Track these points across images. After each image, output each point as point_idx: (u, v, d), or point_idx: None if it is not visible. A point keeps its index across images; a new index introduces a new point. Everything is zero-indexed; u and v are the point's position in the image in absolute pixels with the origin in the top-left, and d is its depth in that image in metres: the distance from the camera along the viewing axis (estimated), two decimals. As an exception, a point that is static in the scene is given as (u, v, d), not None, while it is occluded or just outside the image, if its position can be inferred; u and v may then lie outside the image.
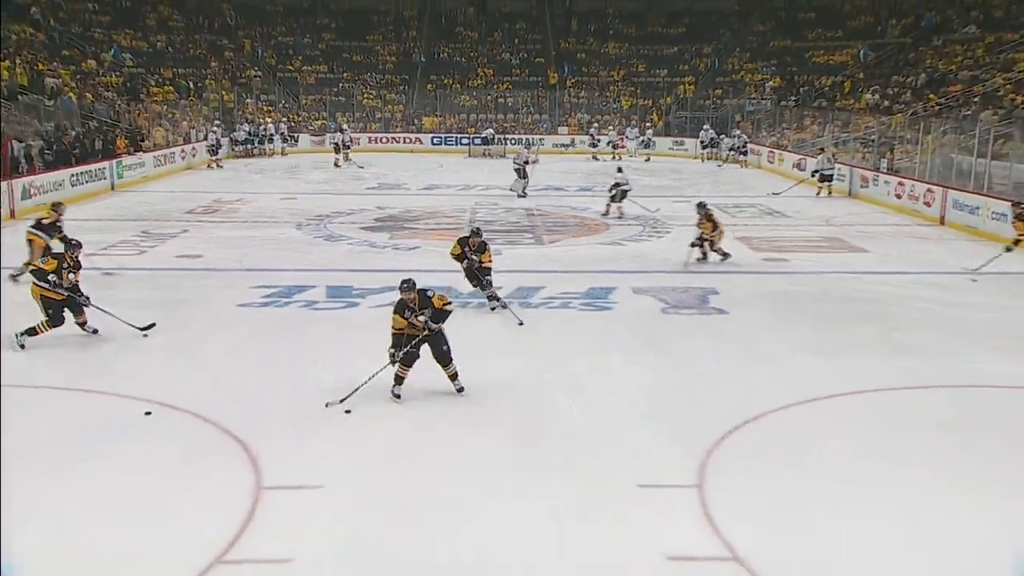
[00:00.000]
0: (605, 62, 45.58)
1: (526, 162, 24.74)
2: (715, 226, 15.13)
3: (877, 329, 11.32)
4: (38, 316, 10.09)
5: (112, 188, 24.62)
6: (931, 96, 30.72)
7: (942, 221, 19.88)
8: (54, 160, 23.23)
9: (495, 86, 43.78)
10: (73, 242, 11.16)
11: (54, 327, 10.12)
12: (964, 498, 6.69)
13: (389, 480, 6.98)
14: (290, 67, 44.01)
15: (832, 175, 24.96)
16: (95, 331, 10.55)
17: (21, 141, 22.75)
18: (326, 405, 7.32)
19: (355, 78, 43.77)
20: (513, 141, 37.48)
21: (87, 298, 10.34)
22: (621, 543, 6.04)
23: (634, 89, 43.35)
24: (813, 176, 25.46)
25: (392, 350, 8.34)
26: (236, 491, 6.63)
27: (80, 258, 10.89)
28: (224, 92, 39.48)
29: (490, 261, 11.89)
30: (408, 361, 8.37)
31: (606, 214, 21.06)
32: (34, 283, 10.26)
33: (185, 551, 5.78)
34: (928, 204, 20.76)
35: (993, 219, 17.95)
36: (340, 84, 43.26)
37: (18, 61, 30.36)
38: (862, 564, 5.80)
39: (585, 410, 8.54)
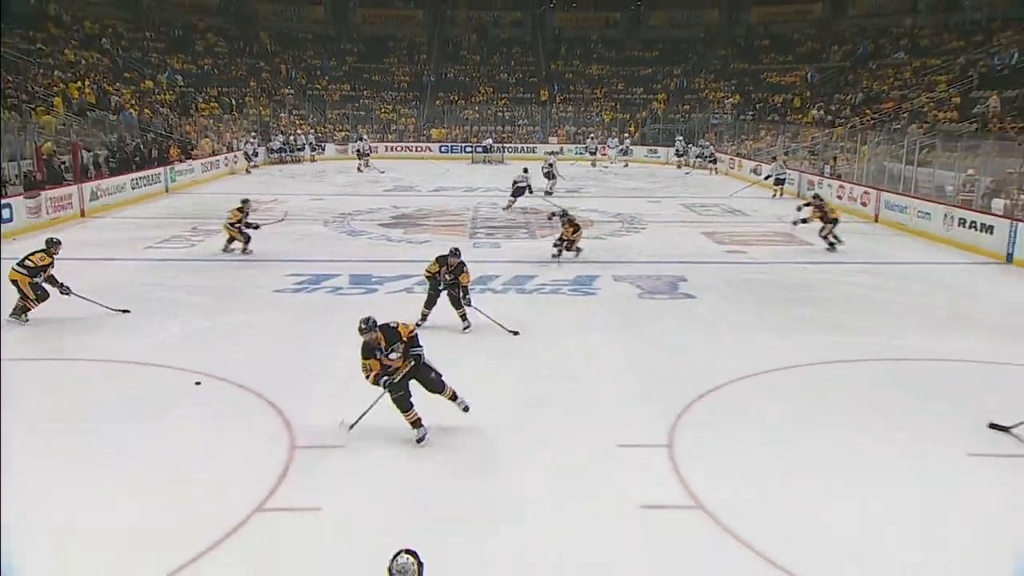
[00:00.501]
0: (589, 81, 45.45)
1: (551, 165, 25.39)
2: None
3: (819, 311, 11.38)
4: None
5: (166, 190, 24.54)
6: (867, 112, 30.90)
7: (876, 219, 19.92)
8: (117, 167, 23.14)
9: (494, 102, 43.58)
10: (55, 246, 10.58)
11: (41, 301, 10.14)
12: (888, 449, 6.82)
13: (402, 441, 6.97)
14: (318, 86, 43.80)
15: (784, 179, 24.99)
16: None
17: (90, 150, 22.71)
18: (339, 424, 6.76)
19: (374, 95, 43.60)
20: (510, 149, 37.50)
21: (68, 288, 10.35)
22: (603, 494, 6.10)
23: (614, 104, 43.21)
24: (767, 179, 25.45)
25: (385, 379, 6.80)
26: (273, 450, 6.69)
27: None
28: (262, 107, 39.31)
29: (468, 280, 10.06)
30: (403, 406, 6.76)
31: (507, 208, 21.52)
32: (17, 271, 10.05)
33: (229, 501, 5.82)
34: (864, 204, 20.80)
35: (919, 217, 18.07)
36: (361, 100, 43.05)
37: (87, 82, 30.48)
38: (807, 508, 5.88)
39: (572, 380, 8.57)
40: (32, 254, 10.16)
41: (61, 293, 10.23)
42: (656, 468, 6.46)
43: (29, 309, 10.12)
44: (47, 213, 17.80)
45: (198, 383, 8.16)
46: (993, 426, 7.08)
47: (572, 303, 11.92)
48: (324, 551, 5.28)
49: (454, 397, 7.10)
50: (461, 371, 8.52)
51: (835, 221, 15.95)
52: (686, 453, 6.70)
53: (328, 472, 6.31)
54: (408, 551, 3.78)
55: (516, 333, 9.93)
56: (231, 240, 14.99)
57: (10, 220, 16.46)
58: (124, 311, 10.67)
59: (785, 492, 6.14)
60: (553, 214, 15.43)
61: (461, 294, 9.93)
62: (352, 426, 6.75)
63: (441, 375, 7.04)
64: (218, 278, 13.28)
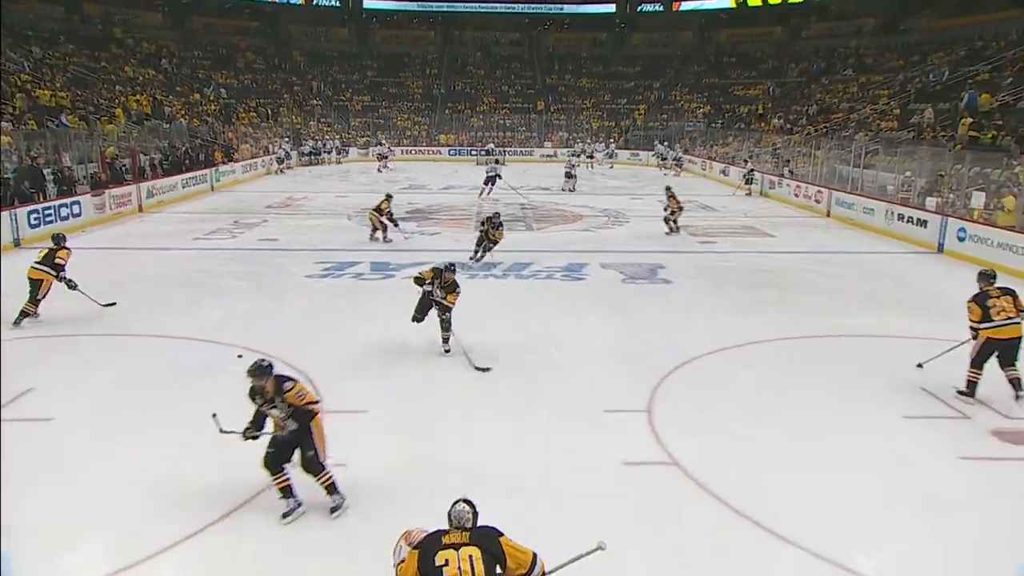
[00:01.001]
0: (579, 93, 45.19)
1: (572, 167, 26.42)
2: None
3: (778, 294, 11.37)
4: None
5: (212, 189, 24.45)
6: (820, 121, 30.73)
7: (828, 214, 19.80)
8: (169, 168, 23.04)
9: (496, 111, 43.36)
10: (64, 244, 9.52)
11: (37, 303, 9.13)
12: (837, 413, 6.86)
13: (416, 406, 7.01)
14: (342, 97, 43.53)
15: (752, 179, 24.93)
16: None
17: (146, 154, 22.68)
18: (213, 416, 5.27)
19: (391, 105, 43.37)
20: (510, 153, 37.29)
21: (74, 283, 9.38)
22: (590, 452, 6.12)
23: (601, 114, 43.02)
24: (748, 183, 25.30)
25: (248, 426, 5.21)
26: (304, 414, 6.67)
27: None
28: (294, 116, 39.21)
29: (455, 301, 8.27)
30: (273, 467, 5.06)
31: (481, 195, 23.00)
32: (42, 270, 9.04)
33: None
34: (818, 201, 20.70)
35: (864, 213, 18.03)
36: (380, 110, 42.84)
37: (144, 96, 30.48)
38: (768, 464, 5.89)
39: (564, 354, 8.58)
40: (51, 251, 9.15)
41: (68, 288, 9.30)
42: (636, 430, 6.48)
43: (28, 315, 9.07)
44: (110, 209, 17.78)
45: (240, 356, 8.13)
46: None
47: (564, 287, 11.89)
48: (350, 500, 5.28)
49: (331, 488, 5.16)
50: (470, 348, 8.56)
51: (681, 209, 16.46)
52: (663, 417, 6.72)
53: (352, 433, 6.27)
54: (465, 500, 3.67)
55: (487, 369, 7.98)
56: (375, 230, 15.23)
57: (79, 215, 16.50)
58: (111, 304, 9.86)
59: (749, 450, 6.17)
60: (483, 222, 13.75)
61: (446, 317, 8.34)
62: (221, 429, 5.19)
63: (322, 462, 5.19)
64: (256, 265, 13.26)
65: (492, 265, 13.01)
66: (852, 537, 4.93)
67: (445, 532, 3.53)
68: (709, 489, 5.47)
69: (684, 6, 47.38)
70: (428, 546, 3.47)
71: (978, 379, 7.09)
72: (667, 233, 16.32)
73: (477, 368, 8.02)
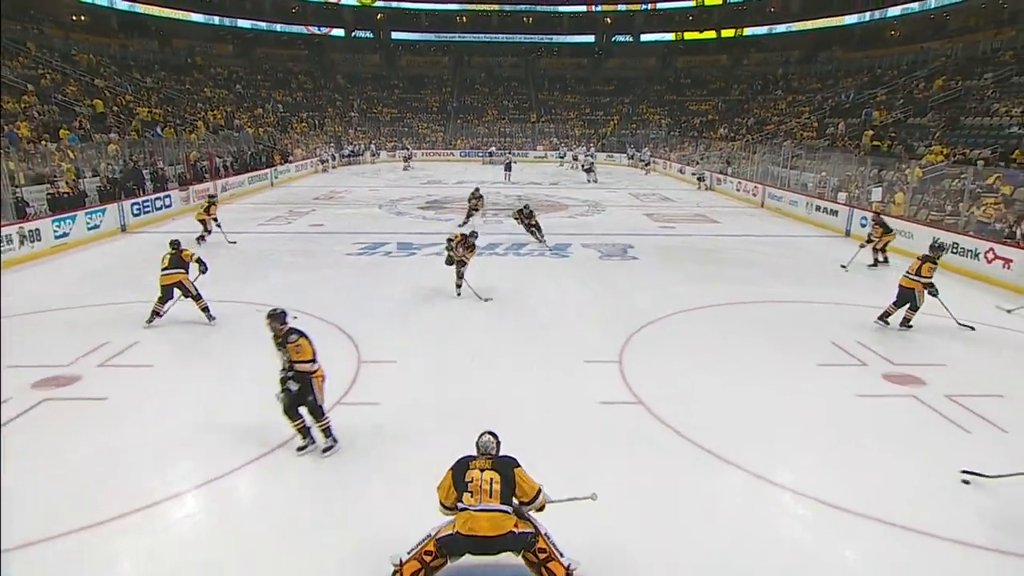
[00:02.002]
0: (565, 107, 44.50)
1: (586, 163, 27.18)
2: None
3: (722, 268, 11.30)
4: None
5: (271, 185, 24.17)
6: (756, 131, 30.45)
7: (762, 205, 19.61)
8: (238, 168, 22.83)
9: (498, 121, 42.75)
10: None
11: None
12: (767, 363, 6.83)
13: (434, 355, 7.00)
14: (375, 110, 42.85)
15: (703, 177, 24.74)
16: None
17: (220, 158, 22.40)
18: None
19: (414, 116, 42.71)
20: (511, 153, 36.69)
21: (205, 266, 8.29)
22: (571, 393, 6.11)
23: (583, 123, 42.38)
24: (699, 180, 25.07)
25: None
26: (346, 363, 6.66)
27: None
28: (336, 126, 38.66)
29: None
30: (290, 414, 4.86)
31: (505, 180, 24.92)
32: (175, 274, 7.78)
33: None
34: (754, 195, 20.50)
35: (790, 204, 17.82)
36: (405, 120, 42.22)
37: (219, 111, 30.20)
38: (713, 401, 5.89)
39: (552, 315, 8.55)
40: (175, 253, 7.85)
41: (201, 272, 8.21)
42: (609, 376, 6.47)
43: (206, 304, 7.99)
44: (193, 201, 17.56)
45: (295, 317, 8.09)
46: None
47: (553, 263, 11.80)
48: (383, 432, 5.31)
49: (327, 432, 4.94)
50: (473, 313, 8.59)
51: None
52: (630, 365, 6.71)
53: (384, 378, 6.30)
54: (490, 432, 3.69)
55: (489, 299, 8.87)
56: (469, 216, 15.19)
57: (169, 206, 16.39)
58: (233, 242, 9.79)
59: (698, 392, 6.17)
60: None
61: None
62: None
63: (321, 406, 4.92)
64: (306, 244, 13.13)
65: (495, 244, 12.92)
66: (776, 458, 4.96)
67: (474, 458, 3.59)
68: (666, 422, 5.49)
69: (648, 38, 46.70)
70: (460, 466, 3.54)
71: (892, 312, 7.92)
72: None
73: (483, 299, 8.88)
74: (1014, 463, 4.68)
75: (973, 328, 7.84)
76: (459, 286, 9.17)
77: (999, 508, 4.33)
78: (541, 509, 3.61)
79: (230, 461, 4.81)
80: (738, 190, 22.02)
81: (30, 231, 11.36)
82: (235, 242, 12.32)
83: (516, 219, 13.35)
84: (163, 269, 7.78)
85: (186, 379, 6.36)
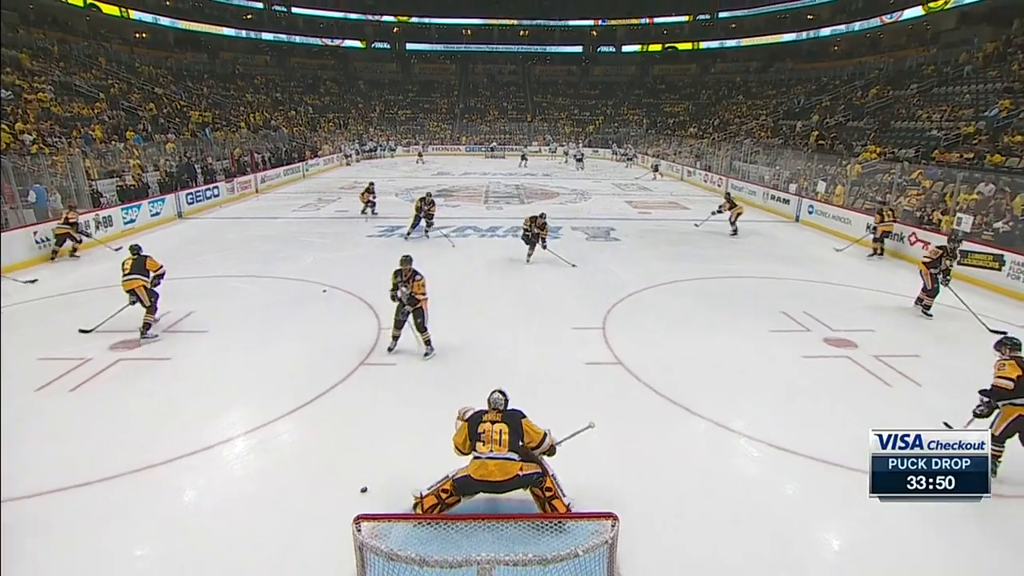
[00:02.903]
0: (556, 108, 43.62)
1: (578, 154, 27.90)
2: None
3: (691, 248, 11.22)
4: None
5: (303, 176, 23.79)
6: (721, 130, 30.01)
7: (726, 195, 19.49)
8: (275, 163, 22.46)
9: (499, 120, 42.04)
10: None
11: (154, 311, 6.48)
12: (727, 329, 6.80)
13: (444, 323, 6.90)
14: (392, 111, 42.03)
15: (657, 167, 24.75)
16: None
17: (259, 153, 22.03)
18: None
19: (426, 117, 41.89)
20: (508, 149, 36.06)
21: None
22: (561, 355, 6.10)
23: (572, 123, 41.65)
24: (655, 169, 24.97)
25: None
26: (368, 330, 6.65)
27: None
28: (358, 125, 37.93)
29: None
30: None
31: (520, 165, 26.26)
32: (136, 279, 6.35)
33: (345, 358, 5.82)
34: (719, 185, 20.24)
35: (748, 194, 17.58)
36: (417, 119, 41.50)
37: (258, 113, 29.63)
38: (683, 361, 5.89)
39: (546, 288, 8.48)
40: (136, 259, 6.43)
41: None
42: (594, 340, 6.46)
43: (151, 321, 6.36)
44: (237, 191, 17.41)
45: (324, 291, 8.08)
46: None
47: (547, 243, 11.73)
48: (401, 387, 5.31)
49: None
50: (476, 285, 8.54)
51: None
52: (612, 331, 6.70)
53: (401, 343, 6.21)
54: (499, 390, 3.70)
55: (575, 266, 9.47)
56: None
57: (217, 195, 16.12)
58: (33, 280, 8.22)
59: (669, 354, 6.15)
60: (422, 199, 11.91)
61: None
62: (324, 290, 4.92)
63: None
64: (334, 228, 12.95)
65: (497, 227, 12.77)
66: (733, 408, 4.99)
67: (486, 412, 3.60)
68: (642, 380, 5.50)
69: (628, 49, 45.80)
70: (474, 419, 3.56)
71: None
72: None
73: (571, 265, 9.30)
74: (927, 411, 4.76)
75: (930, 315, 7.33)
76: (530, 254, 9.66)
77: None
78: (552, 452, 3.62)
79: (273, 411, 4.83)
80: (706, 181, 21.75)
81: (104, 217, 11.33)
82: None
83: (526, 230, 10.09)
84: (125, 274, 6.33)
85: (235, 342, 6.34)
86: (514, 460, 3.43)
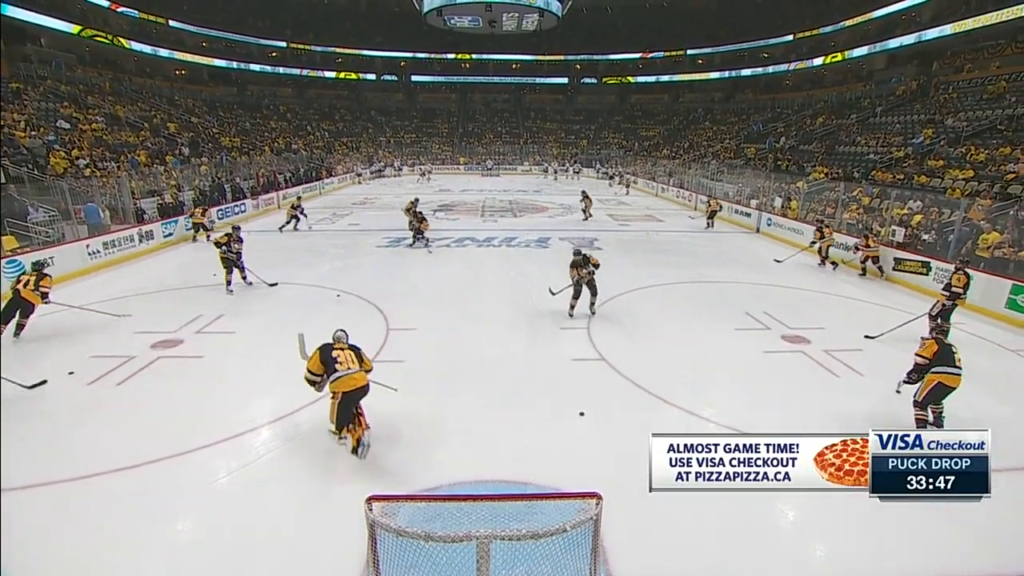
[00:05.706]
0: (545, 132, 43.64)
1: (574, 170, 30.29)
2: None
3: (666, 255, 11.24)
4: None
5: (320, 193, 23.65)
6: (691, 152, 30.23)
7: (695, 208, 19.42)
8: (295, 181, 22.41)
9: (494, 143, 42.10)
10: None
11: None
12: (698, 328, 6.81)
13: (446, 324, 6.94)
14: (399, 135, 41.97)
15: (614, 176, 25.36)
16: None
17: (281, 173, 21.97)
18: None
19: (429, 140, 41.88)
20: (503, 168, 36.10)
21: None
22: (550, 351, 6.09)
23: (560, 145, 41.79)
24: (627, 185, 25.20)
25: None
26: (378, 331, 6.62)
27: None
28: (369, 148, 37.90)
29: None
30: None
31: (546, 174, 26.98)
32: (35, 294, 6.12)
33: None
34: (689, 200, 20.40)
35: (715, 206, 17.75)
36: (421, 142, 41.49)
37: (280, 138, 29.52)
38: (658, 357, 5.89)
39: (536, 293, 8.43)
40: (37, 276, 6.12)
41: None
42: (580, 339, 6.47)
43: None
44: (262, 207, 17.35)
45: (338, 295, 8.04)
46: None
47: (538, 252, 11.68)
48: (408, 381, 5.26)
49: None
50: (475, 291, 8.47)
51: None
52: (596, 331, 6.71)
53: (407, 342, 6.26)
54: (341, 329, 4.39)
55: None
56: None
57: (244, 211, 16.05)
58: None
59: (646, 350, 6.16)
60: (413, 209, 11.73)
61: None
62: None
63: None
64: (346, 239, 12.83)
65: (493, 238, 12.77)
66: (703, 398, 5.00)
67: (332, 345, 4.18)
68: (623, 373, 5.51)
69: (608, 80, 46.19)
70: (325, 348, 4.15)
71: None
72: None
73: (552, 293, 7.44)
74: (868, 397, 4.84)
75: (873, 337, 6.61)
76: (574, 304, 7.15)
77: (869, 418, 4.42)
78: (370, 369, 4.23)
79: (294, 403, 4.81)
80: (678, 196, 21.81)
81: (146, 231, 11.36)
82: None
83: (575, 269, 7.32)
84: (24, 284, 5.94)
85: (260, 342, 6.31)
86: (363, 373, 4.10)
